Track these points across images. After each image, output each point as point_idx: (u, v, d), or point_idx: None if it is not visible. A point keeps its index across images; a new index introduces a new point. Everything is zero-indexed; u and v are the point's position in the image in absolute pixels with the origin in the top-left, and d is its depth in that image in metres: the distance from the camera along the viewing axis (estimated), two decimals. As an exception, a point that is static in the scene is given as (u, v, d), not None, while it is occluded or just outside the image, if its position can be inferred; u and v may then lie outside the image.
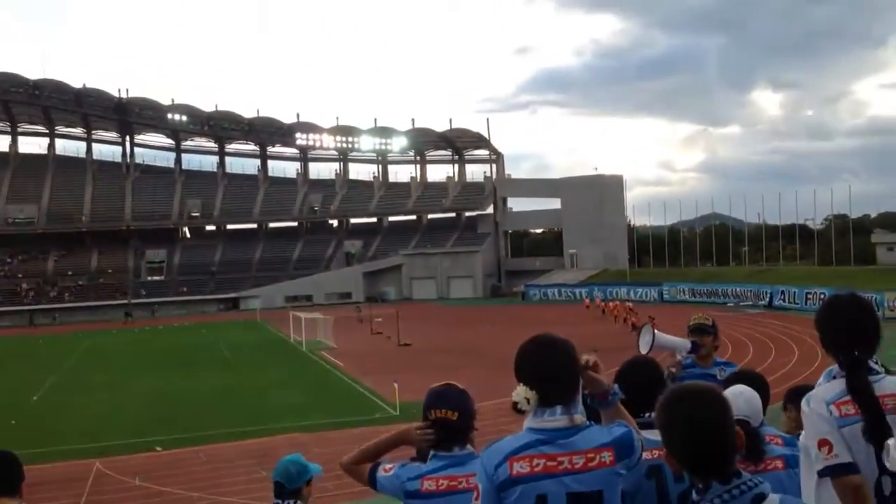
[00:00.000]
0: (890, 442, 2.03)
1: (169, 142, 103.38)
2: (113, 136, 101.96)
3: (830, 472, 2.75)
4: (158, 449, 22.18)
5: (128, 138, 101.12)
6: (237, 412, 26.86)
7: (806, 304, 49.61)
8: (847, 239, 65.10)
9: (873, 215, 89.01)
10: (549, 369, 2.68)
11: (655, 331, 5.19)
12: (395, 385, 24.90)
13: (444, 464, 3.29)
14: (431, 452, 3.40)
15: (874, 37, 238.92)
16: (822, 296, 46.14)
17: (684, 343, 5.43)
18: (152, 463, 20.81)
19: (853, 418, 2.79)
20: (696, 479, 2.09)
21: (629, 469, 2.69)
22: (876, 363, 2.94)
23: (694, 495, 2.09)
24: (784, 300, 53.12)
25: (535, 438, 2.64)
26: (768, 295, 54.80)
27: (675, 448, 2.12)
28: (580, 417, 2.71)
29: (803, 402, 2.92)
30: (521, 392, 2.66)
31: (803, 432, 2.94)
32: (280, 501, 4.39)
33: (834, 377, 2.93)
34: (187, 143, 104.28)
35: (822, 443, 2.78)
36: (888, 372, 2.99)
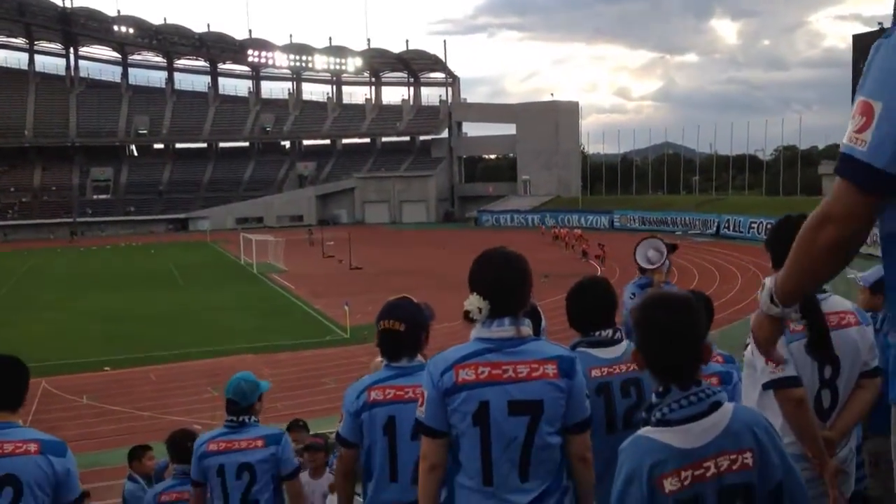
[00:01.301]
0: (766, 281, 2.14)
1: (115, 55, 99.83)
2: (56, 47, 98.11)
3: (775, 385, 2.84)
4: (107, 369, 22.06)
5: (72, 50, 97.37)
6: (187, 333, 26.77)
7: (751, 232, 50.65)
8: (795, 170, 66.23)
9: (821, 147, 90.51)
10: (502, 281, 2.72)
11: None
12: (346, 307, 24.96)
13: (393, 374, 3.35)
14: (383, 363, 3.43)
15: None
16: (767, 225, 47.08)
17: (666, 262, 5.68)
18: (100, 382, 20.73)
19: (800, 334, 2.87)
20: (659, 381, 2.15)
21: (567, 390, 2.72)
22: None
23: (653, 398, 2.15)
24: (730, 229, 54.13)
25: (483, 347, 2.69)
26: (715, 224, 55.78)
27: (646, 348, 2.16)
28: (527, 329, 2.77)
29: (753, 319, 2.98)
30: (474, 301, 2.69)
31: (749, 347, 3.02)
32: (234, 418, 4.39)
33: None
34: (134, 58, 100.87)
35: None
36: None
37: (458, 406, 2.64)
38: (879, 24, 56.85)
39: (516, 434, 2.64)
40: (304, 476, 5.91)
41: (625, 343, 3.36)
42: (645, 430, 2.12)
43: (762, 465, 2.08)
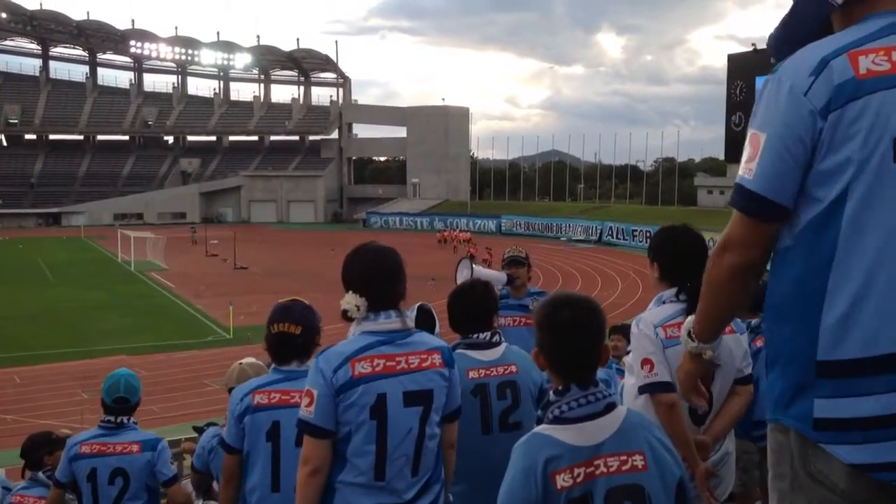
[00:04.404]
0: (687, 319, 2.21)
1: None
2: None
3: (648, 389, 2.91)
4: (-34, 370, 20.79)
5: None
6: (57, 333, 25.53)
7: (633, 240, 52.50)
8: (673, 181, 69.12)
9: (697, 160, 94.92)
10: (380, 274, 2.72)
11: (473, 265, 5.38)
12: (231, 306, 24.38)
13: (280, 377, 3.26)
14: (272, 366, 3.35)
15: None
16: (647, 233, 48.93)
17: (500, 276, 5.63)
18: (-41, 384, 19.51)
19: (676, 340, 2.94)
20: (559, 380, 2.16)
21: (449, 378, 2.77)
22: None
23: (551, 396, 2.16)
24: (612, 236, 55.92)
25: (376, 339, 2.67)
26: (598, 231, 57.49)
27: (548, 347, 2.17)
28: (410, 322, 2.80)
29: (633, 324, 3.07)
30: (350, 300, 2.68)
31: (630, 352, 3.09)
32: (112, 419, 4.18)
33: (664, 302, 3.08)
34: (6, 44, 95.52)
35: (645, 361, 2.93)
36: None
37: (355, 400, 2.60)
38: (753, 44, 59.95)
39: (411, 425, 2.66)
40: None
41: (503, 346, 3.40)
42: (541, 428, 2.13)
43: (657, 466, 2.12)
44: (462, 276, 5.42)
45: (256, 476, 3.20)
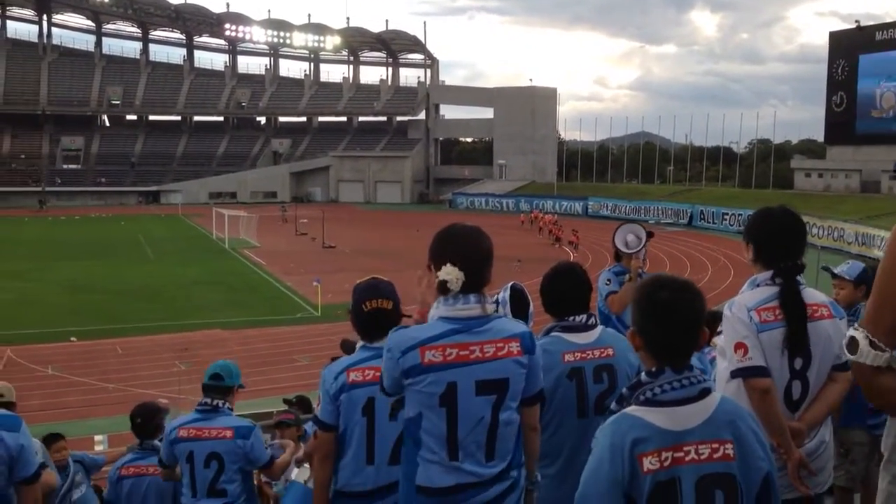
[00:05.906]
0: (852, 333, 1.89)
1: (89, 24, 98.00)
2: (29, 13, 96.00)
3: (742, 374, 2.85)
4: (73, 339, 21.85)
5: (45, 17, 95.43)
6: (156, 306, 26.57)
7: (723, 224, 51.14)
8: (768, 163, 66.82)
9: (794, 141, 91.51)
10: (471, 256, 2.69)
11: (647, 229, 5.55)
12: (317, 284, 24.87)
13: (371, 354, 3.26)
14: (359, 344, 3.36)
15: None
16: (739, 217, 47.55)
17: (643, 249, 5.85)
18: (66, 353, 20.55)
19: (772, 324, 2.88)
20: (654, 361, 2.13)
21: (528, 365, 2.73)
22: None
23: (643, 377, 2.13)
24: (703, 220, 54.59)
25: (450, 328, 2.65)
26: (689, 214, 56.20)
27: (647, 327, 2.14)
28: (491, 306, 2.75)
29: (725, 308, 2.99)
30: (451, 271, 2.63)
31: (722, 335, 3.02)
32: (209, 402, 4.38)
33: (758, 285, 3.00)
34: (109, 27, 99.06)
35: (739, 346, 2.86)
36: None
37: (424, 387, 2.62)
38: (856, 21, 57.34)
39: (483, 414, 2.64)
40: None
41: (599, 328, 3.35)
42: (630, 409, 2.10)
43: (743, 457, 2.07)
44: (624, 240, 5.53)
45: (352, 450, 3.24)
